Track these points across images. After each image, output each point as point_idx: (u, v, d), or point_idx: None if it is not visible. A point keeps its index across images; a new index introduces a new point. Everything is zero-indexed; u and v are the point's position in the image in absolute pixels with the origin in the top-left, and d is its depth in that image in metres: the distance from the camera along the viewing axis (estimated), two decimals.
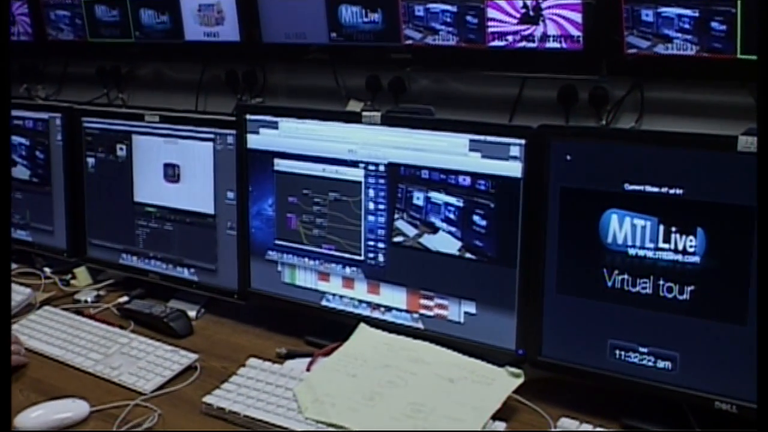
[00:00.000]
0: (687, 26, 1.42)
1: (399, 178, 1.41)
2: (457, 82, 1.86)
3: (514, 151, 1.28)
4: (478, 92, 1.83)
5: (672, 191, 1.15)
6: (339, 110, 1.72)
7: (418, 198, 1.39)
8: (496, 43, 1.66)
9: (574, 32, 1.55)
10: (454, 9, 1.68)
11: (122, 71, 2.43)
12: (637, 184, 1.17)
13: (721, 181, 1.12)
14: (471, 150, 1.32)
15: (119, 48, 2.30)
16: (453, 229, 1.36)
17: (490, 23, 1.65)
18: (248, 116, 1.57)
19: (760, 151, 0.87)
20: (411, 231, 1.41)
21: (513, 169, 1.28)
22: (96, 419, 1.31)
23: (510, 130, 1.31)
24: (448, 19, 1.69)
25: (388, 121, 1.42)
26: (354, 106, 1.97)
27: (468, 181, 1.33)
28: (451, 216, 1.36)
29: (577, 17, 1.54)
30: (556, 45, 1.58)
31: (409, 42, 1.76)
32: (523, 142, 1.27)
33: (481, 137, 1.31)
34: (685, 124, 1.53)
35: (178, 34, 2.15)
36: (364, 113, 1.44)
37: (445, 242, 1.37)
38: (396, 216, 1.41)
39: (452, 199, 1.35)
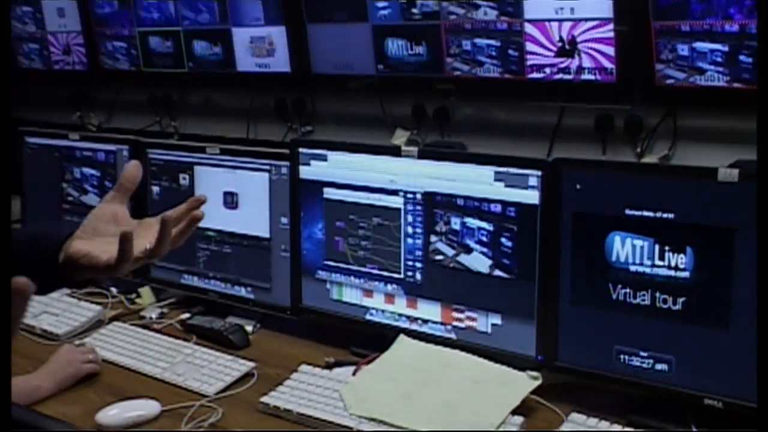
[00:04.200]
0: (719, 59, 1.94)
1: (436, 205, 1.97)
2: (499, 111, 2.43)
3: (532, 181, 1.83)
4: (520, 120, 2.40)
5: (665, 215, 1.67)
6: (381, 145, 2.27)
7: (456, 223, 1.96)
8: (535, 75, 2.21)
9: (608, 65, 2.09)
10: (497, 44, 2.25)
11: (174, 99, 3.09)
12: (636, 209, 1.70)
13: (706, 207, 1.64)
14: (495, 180, 1.88)
15: (172, 77, 2.96)
16: (485, 249, 1.92)
17: (529, 56, 2.22)
18: (301, 150, 2.16)
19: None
20: (449, 251, 1.97)
21: (532, 197, 1.83)
22: (166, 417, 1.88)
23: (528, 163, 1.85)
24: (493, 53, 2.27)
25: (424, 154, 1.99)
26: (400, 134, 2.55)
27: (499, 208, 1.89)
28: (483, 238, 1.92)
29: (610, 51, 2.09)
30: (591, 77, 2.13)
31: (453, 73, 2.33)
32: (539, 173, 1.82)
33: (504, 169, 1.86)
34: (716, 150, 2.02)
35: (230, 65, 2.80)
36: (404, 148, 2.02)
37: (477, 261, 1.93)
38: (435, 239, 1.98)
39: (484, 224, 1.91)
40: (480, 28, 2.26)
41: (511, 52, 2.24)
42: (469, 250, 1.94)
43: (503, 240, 1.89)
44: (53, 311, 2.41)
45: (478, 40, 2.28)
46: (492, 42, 2.26)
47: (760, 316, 1.17)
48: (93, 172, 2.64)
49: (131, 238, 1.10)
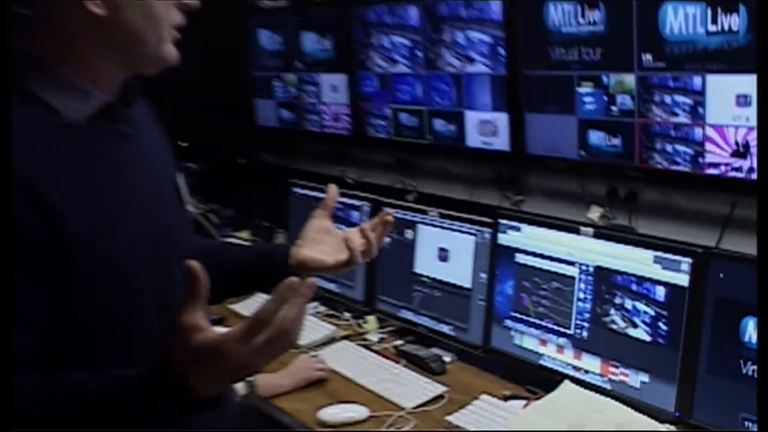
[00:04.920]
0: None
1: (611, 285, 2.23)
2: (680, 198, 2.63)
3: (684, 266, 2.08)
4: (696, 208, 2.60)
5: None
6: (564, 222, 2.50)
7: (629, 305, 2.20)
8: (712, 171, 2.42)
9: None
10: (691, 151, 2.48)
11: (414, 163, 3.54)
12: None
13: None
14: (654, 262, 2.14)
15: (415, 146, 3.40)
16: (646, 327, 2.17)
17: (707, 155, 2.45)
18: (500, 220, 2.51)
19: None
20: (622, 324, 2.22)
21: (682, 279, 2.07)
22: (371, 421, 2.27)
23: (683, 251, 2.10)
24: (684, 156, 2.50)
25: (598, 235, 2.28)
26: (595, 210, 2.80)
27: (656, 291, 2.14)
28: (647, 320, 2.17)
29: None
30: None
31: (643, 164, 2.58)
32: (690, 260, 2.07)
33: (662, 254, 2.12)
34: None
35: (461, 140, 3.19)
36: (582, 228, 2.31)
37: (640, 333, 2.18)
38: (614, 311, 2.23)
39: (649, 310, 2.16)
40: (678, 137, 2.49)
41: (695, 152, 2.48)
42: (635, 325, 2.19)
43: (659, 318, 2.14)
44: None
45: (670, 146, 2.52)
46: (688, 150, 2.48)
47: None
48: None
49: (356, 241, 1.50)
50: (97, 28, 1.28)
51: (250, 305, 2.80)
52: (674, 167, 2.52)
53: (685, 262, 2.08)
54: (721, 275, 2.01)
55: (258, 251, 1.73)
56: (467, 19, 3.08)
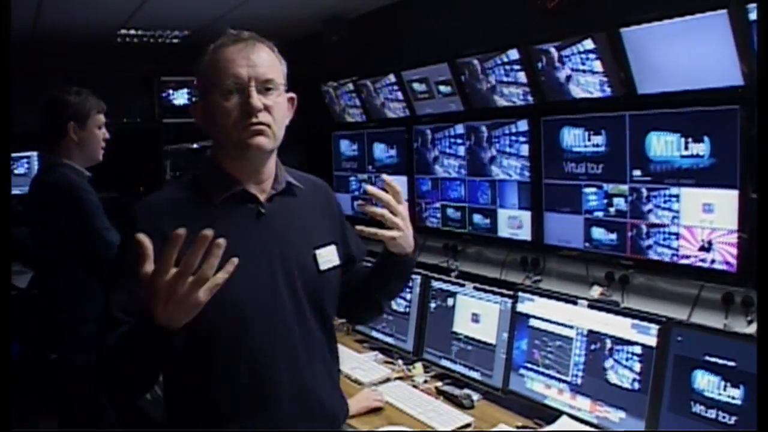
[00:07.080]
0: None
1: (600, 344, 2.59)
2: (661, 282, 3.03)
3: (652, 331, 2.46)
4: (673, 290, 2.98)
5: (729, 363, 2.22)
6: (566, 296, 2.83)
7: (612, 359, 2.56)
8: (684, 261, 2.83)
9: (732, 260, 2.67)
10: (668, 246, 2.88)
11: (458, 248, 3.98)
12: (714, 357, 2.27)
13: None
14: (631, 327, 2.52)
15: (458, 234, 3.86)
16: (624, 376, 2.53)
17: (681, 248, 2.85)
18: (519, 293, 2.92)
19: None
20: (606, 373, 2.59)
21: (651, 341, 2.45)
22: None
23: (652, 319, 2.47)
24: (666, 250, 2.90)
25: (590, 306, 2.68)
26: (596, 289, 3.21)
27: (636, 353, 2.48)
28: (624, 371, 2.52)
29: (734, 251, 2.67)
30: (720, 267, 2.71)
31: (633, 255, 3.00)
32: (657, 326, 2.45)
33: (637, 321, 2.51)
34: None
35: (494, 231, 3.65)
36: (579, 300, 2.72)
37: (619, 381, 2.55)
38: (601, 364, 2.61)
39: (626, 363, 2.51)
40: (658, 235, 2.91)
41: (672, 246, 2.88)
42: (616, 375, 2.54)
43: (633, 370, 2.50)
44: (363, 368, 3.27)
45: (653, 241, 2.93)
46: (663, 243, 2.90)
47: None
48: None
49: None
50: (213, 129, 1.68)
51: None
52: (656, 257, 2.94)
53: (654, 328, 2.46)
54: (679, 338, 2.38)
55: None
56: (502, 135, 3.58)
